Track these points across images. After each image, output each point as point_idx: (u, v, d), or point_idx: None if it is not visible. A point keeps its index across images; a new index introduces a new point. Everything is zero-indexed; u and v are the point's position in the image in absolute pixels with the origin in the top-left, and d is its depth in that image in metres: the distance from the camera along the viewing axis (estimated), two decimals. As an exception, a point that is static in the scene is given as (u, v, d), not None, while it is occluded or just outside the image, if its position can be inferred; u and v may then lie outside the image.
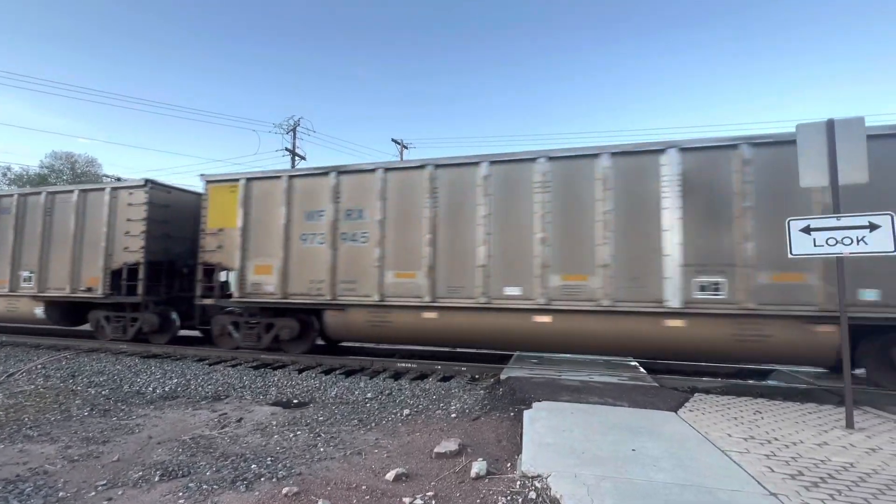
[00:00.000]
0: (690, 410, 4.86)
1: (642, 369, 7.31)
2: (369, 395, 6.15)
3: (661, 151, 6.48)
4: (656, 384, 6.18)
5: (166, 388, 6.52)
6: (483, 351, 8.73)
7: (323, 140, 67.75)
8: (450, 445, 3.88)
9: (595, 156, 6.74)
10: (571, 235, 6.77)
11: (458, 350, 9.01)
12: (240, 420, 5.02)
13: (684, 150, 6.40)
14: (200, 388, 6.53)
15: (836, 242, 4.38)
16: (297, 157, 23.78)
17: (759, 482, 3.05)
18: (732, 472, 3.24)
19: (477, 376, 7.02)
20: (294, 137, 23.96)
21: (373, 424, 4.89)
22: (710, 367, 7.69)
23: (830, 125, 4.48)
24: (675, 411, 4.82)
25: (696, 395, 5.64)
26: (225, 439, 4.37)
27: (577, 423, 4.27)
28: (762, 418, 4.64)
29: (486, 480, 3.26)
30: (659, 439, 3.87)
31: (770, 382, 6.92)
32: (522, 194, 7.02)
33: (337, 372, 7.37)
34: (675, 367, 7.85)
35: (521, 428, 4.21)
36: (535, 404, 4.93)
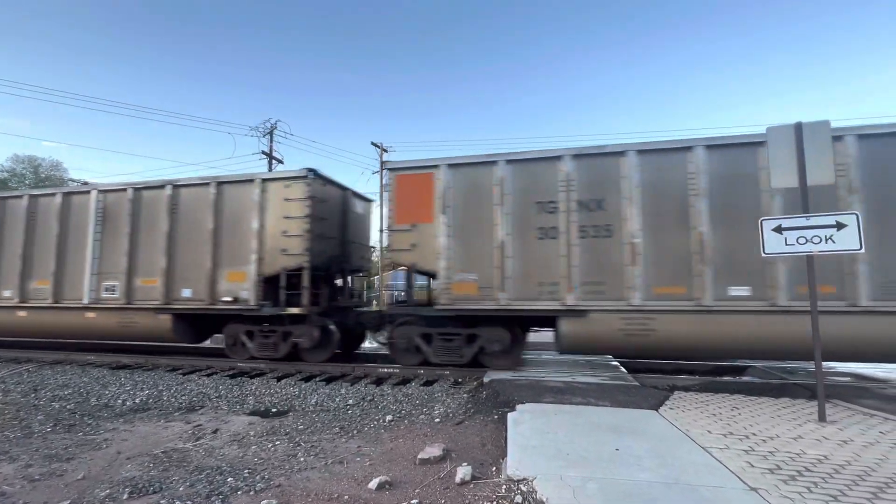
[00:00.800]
0: (671, 408, 4.92)
1: (623, 369, 7.41)
2: (351, 401, 6.03)
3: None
4: (637, 383, 6.26)
5: (137, 401, 6.24)
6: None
7: (301, 144, 66.87)
8: (434, 451, 3.81)
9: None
10: None
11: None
12: (215, 431, 4.84)
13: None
14: (174, 400, 6.28)
15: (807, 241, 4.52)
16: (274, 161, 23.37)
17: (739, 478, 3.09)
18: (713, 468, 3.27)
19: (460, 380, 6.97)
20: (271, 140, 23.55)
21: (355, 432, 4.78)
22: (689, 366, 7.86)
23: (798, 128, 4.63)
24: (657, 409, 4.87)
25: (675, 392, 5.72)
26: (200, 452, 4.20)
27: (561, 425, 4.26)
28: (740, 414, 4.73)
29: (472, 486, 3.21)
30: (641, 438, 3.90)
31: (746, 379, 7.10)
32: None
33: (317, 379, 7.21)
34: (656, 365, 7.99)
35: (506, 431, 4.18)
36: (518, 406, 4.91)
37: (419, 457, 3.77)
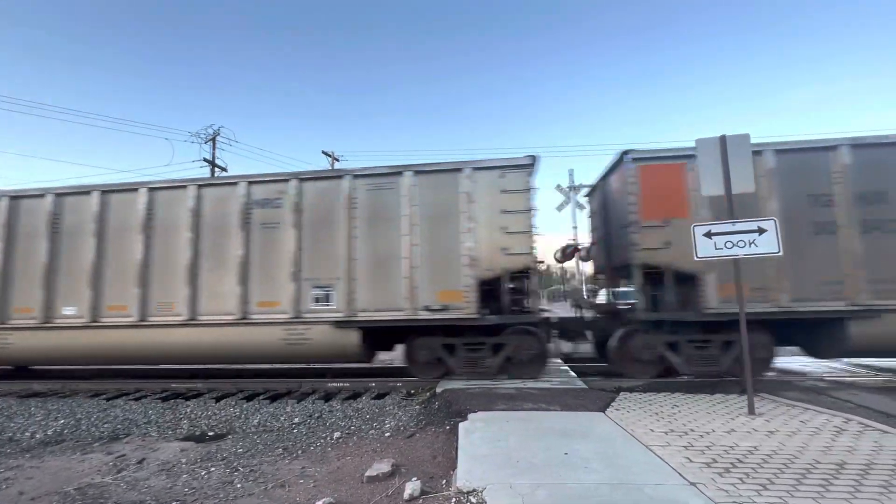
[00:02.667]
0: (617, 409, 5.06)
1: (573, 373, 7.57)
2: (297, 419, 5.72)
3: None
4: (585, 386, 6.40)
5: (49, 432, 5.57)
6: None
7: (247, 151, 64.26)
8: (382, 467, 3.66)
9: None
10: None
11: (396, 366, 8.71)
12: (141, 461, 4.39)
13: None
14: (94, 429, 5.66)
15: (733, 245, 4.85)
16: (216, 169, 22.19)
17: (679, 473, 3.20)
18: (656, 466, 3.37)
19: (413, 391, 6.82)
20: (214, 147, 22.39)
21: (299, 452, 4.52)
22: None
23: (723, 140, 4.99)
24: (604, 411, 4.99)
25: (621, 394, 5.91)
26: (121, 485, 3.78)
27: (513, 432, 4.25)
28: (679, 411, 4.95)
29: (421, 501, 3.10)
30: (589, 440, 3.96)
31: (684, 378, 7.47)
32: None
33: (261, 397, 6.78)
34: (604, 369, 8.22)
35: (457, 441, 4.10)
36: (470, 416, 4.85)
37: (367, 474, 3.60)
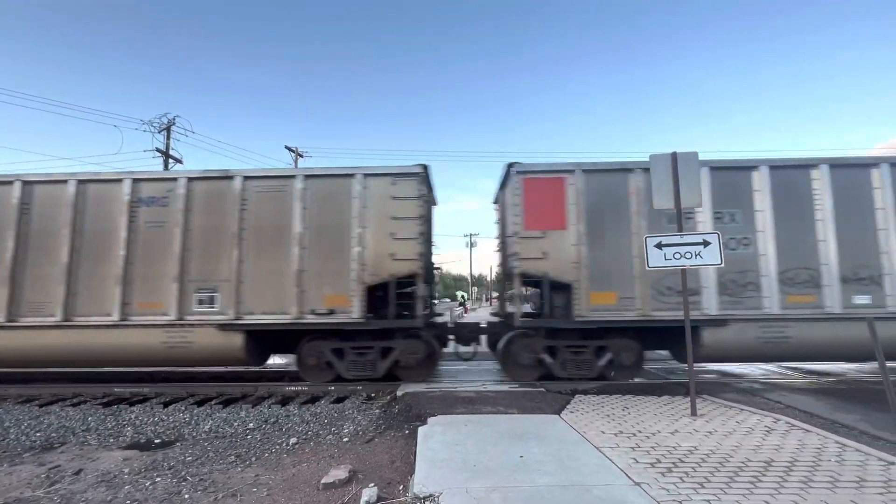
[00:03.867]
0: (571, 412, 5.25)
1: (531, 375, 7.76)
2: (251, 425, 5.55)
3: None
4: (543, 389, 6.59)
5: (-29, 442, 5.12)
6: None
7: (205, 143, 61.38)
8: (339, 474, 3.63)
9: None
10: None
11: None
12: (78, 472, 4.12)
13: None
14: (24, 438, 5.26)
15: (681, 256, 5.15)
16: (171, 160, 21.08)
17: (626, 474, 3.37)
18: (605, 467, 3.53)
19: (373, 395, 6.78)
20: (168, 137, 21.23)
21: (253, 459, 4.39)
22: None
23: (674, 157, 5.29)
24: (559, 413, 5.17)
25: (576, 396, 6.12)
26: (54, 499, 3.54)
27: (471, 435, 4.32)
28: (629, 413, 5.19)
29: (377, 507, 3.10)
30: (544, 443, 4.09)
31: (635, 380, 7.83)
32: None
33: (213, 402, 6.53)
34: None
35: (416, 446, 4.12)
36: (430, 419, 4.89)
37: (323, 481, 3.56)
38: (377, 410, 5.85)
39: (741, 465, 3.54)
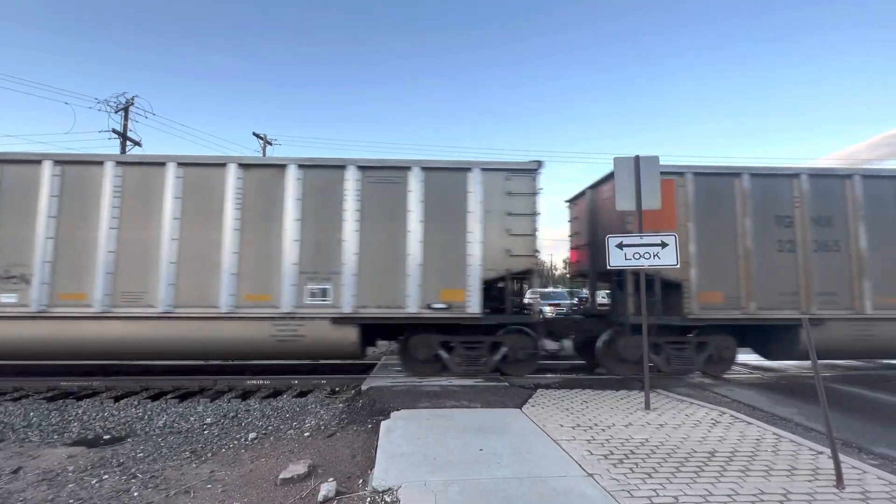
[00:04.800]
0: (533, 406, 5.38)
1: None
2: (209, 420, 5.40)
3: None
4: (507, 384, 6.71)
5: None
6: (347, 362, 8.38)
7: (167, 126, 58.63)
8: (298, 469, 3.59)
9: None
10: None
11: (321, 362, 8.49)
12: (17, 471, 3.90)
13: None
14: (-43, 434, 4.92)
15: (640, 257, 5.35)
16: (129, 142, 19.99)
17: (580, 466, 3.50)
18: (561, 459, 3.65)
19: (337, 389, 6.73)
20: (126, 118, 20.11)
21: (209, 455, 4.28)
22: (550, 364, 8.67)
23: (637, 161, 5.47)
24: (521, 408, 5.28)
25: (538, 390, 6.27)
26: (-11, 500, 3.34)
27: (433, 429, 4.36)
28: (587, 407, 5.37)
29: (335, 502, 3.09)
30: (504, 436, 4.18)
31: (595, 375, 8.09)
32: None
33: (168, 396, 6.31)
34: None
35: (378, 440, 4.13)
36: (393, 414, 4.90)
37: (281, 476, 3.51)
38: (341, 405, 5.82)
39: (687, 456, 3.74)
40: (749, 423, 4.69)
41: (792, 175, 7.40)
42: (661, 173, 7.03)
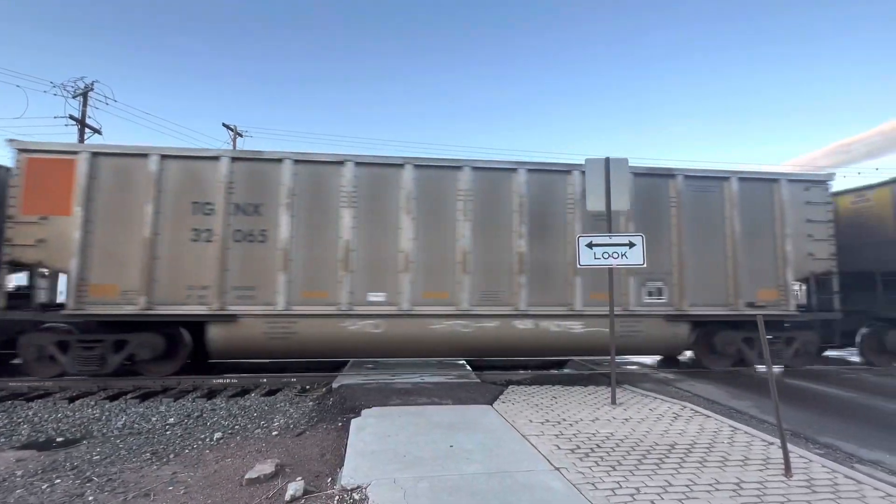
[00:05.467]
0: (503, 402, 5.46)
1: (468, 367, 7.96)
2: (171, 420, 5.22)
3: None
4: (479, 380, 6.78)
5: None
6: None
7: (129, 114, 56.01)
8: (265, 468, 3.52)
9: None
10: None
11: (290, 360, 8.32)
12: (-42, 477, 3.67)
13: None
14: None
15: (609, 256, 5.49)
16: (87, 129, 18.96)
17: (548, 460, 3.57)
18: (529, 454, 3.72)
19: (307, 387, 6.63)
20: (85, 104, 19.07)
21: (171, 456, 4.14)
22: (521, 361, 8.81)
23: (607, 162, 5.61)
24: (492, 404, 5.35)
25: (510, 387, 6.36)
26: (-74, 508, 3.13)
27: (404, 427, 4.36)
28: (556, 403, 5.49)
29: (303, 501, 3.05)
30: (474, 432, 4.22)
31: (565, 371, 8.28)
32: None
33: (129, 396, 6.06)
34: (498, 363, 8.75)
35: (348, 438, 4.10)
36: (364, 411, 4.87)
37: (247, 476, 3.43)
38: (311, 403, 5.73)
39: (649, 449, 3.88)
40: (708, 417, 4.90)
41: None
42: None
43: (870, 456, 4.11)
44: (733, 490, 3.10)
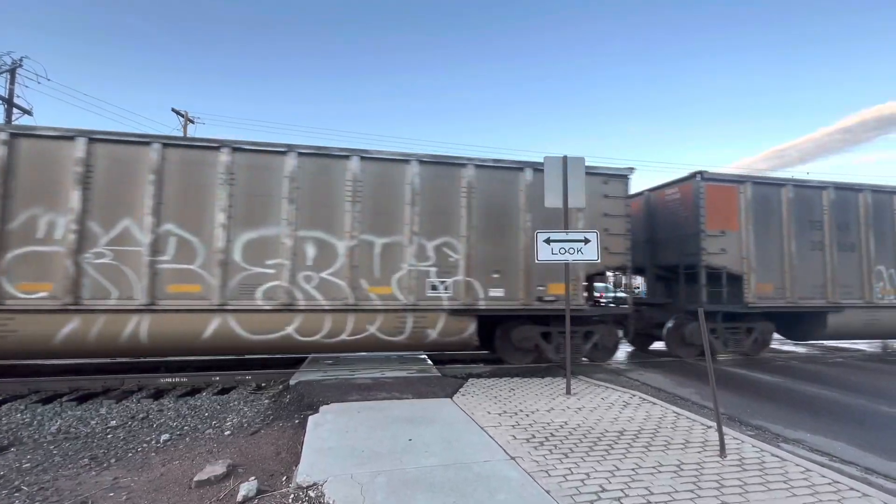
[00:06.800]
0: (463, 395, 5.53)
1: (430, 361, 7.99)
2: (113, 422, 4.92)
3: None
4: (439, 374, 6.83)
5: None
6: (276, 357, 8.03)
7: (65, 94, 51.68)
8: (216, 469, 3.40)
9: None
10: None
11: (246, 357, 8.06)
12: None
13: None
14: None
15: (566, 252, 5.67)
16: (15, 109, 17.32)
17: (504, 450, 3.67)
18: (486, 445, 3.80)
19: (263, 384, 6.44)
20: (12, 82, 17.40)
21: (112, 460, 3.91)
22: (482, 355, 8.94)
23: (565, 161, 5.77)
24: (451, 397, 5.41)
25: (470, 380, 6.46)
26: None
27: (363, 422, 4.33)
28: (514, 394, 5.63)
29: (256, 502, 2.98)
30: (434, 425, 4.26)
31: (524, 364, 8.46)
32: None
33: (64, 399, 5.66)
34: (459, 356, 8.84)
35: (304, 436, 4.02)
36: (322, 408, 4.79)
37: (196, 478, 3.31)
38: (267, 401, 5.58)
39: (600, 436, 4.07)
40: (654, 404, 5.19)
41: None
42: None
43: (794, 435, 4.50)
44: (674, 472, 3.30)
